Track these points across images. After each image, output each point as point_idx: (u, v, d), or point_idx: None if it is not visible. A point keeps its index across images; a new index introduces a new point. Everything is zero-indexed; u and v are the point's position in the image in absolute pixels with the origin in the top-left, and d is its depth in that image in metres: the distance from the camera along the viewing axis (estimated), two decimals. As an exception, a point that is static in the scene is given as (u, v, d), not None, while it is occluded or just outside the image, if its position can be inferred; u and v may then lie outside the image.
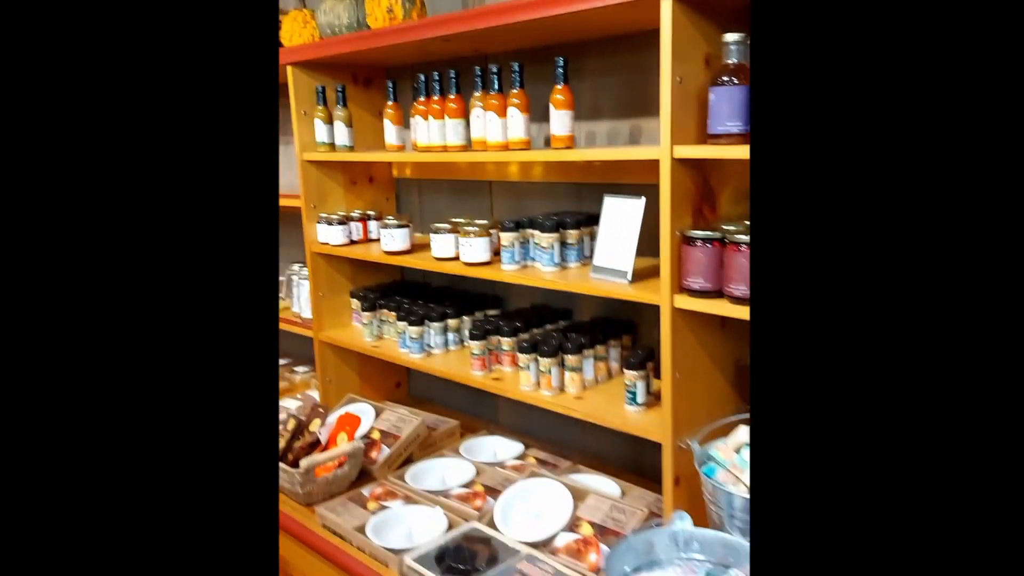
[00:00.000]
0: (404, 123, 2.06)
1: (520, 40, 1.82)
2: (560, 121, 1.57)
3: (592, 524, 1.52)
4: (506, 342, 1.83)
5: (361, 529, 1.61)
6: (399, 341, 2.06)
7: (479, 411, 2.37)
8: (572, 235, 1.68)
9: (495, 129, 1.66)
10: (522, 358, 1.70)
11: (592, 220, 1.73)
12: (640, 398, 1.54)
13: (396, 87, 2.04)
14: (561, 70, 1.56)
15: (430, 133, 1.83)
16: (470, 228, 1.78)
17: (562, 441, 2.10)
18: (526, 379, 1.71)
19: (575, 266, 1.70)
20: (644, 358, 1.54)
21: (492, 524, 1.60)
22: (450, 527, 1.61)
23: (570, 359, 1.66)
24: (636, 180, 1.76)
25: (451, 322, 2.03)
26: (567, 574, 1.39)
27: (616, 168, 1.80)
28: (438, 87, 1.82)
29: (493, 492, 1.74)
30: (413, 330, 1.99)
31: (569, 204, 1.96)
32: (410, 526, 1.64)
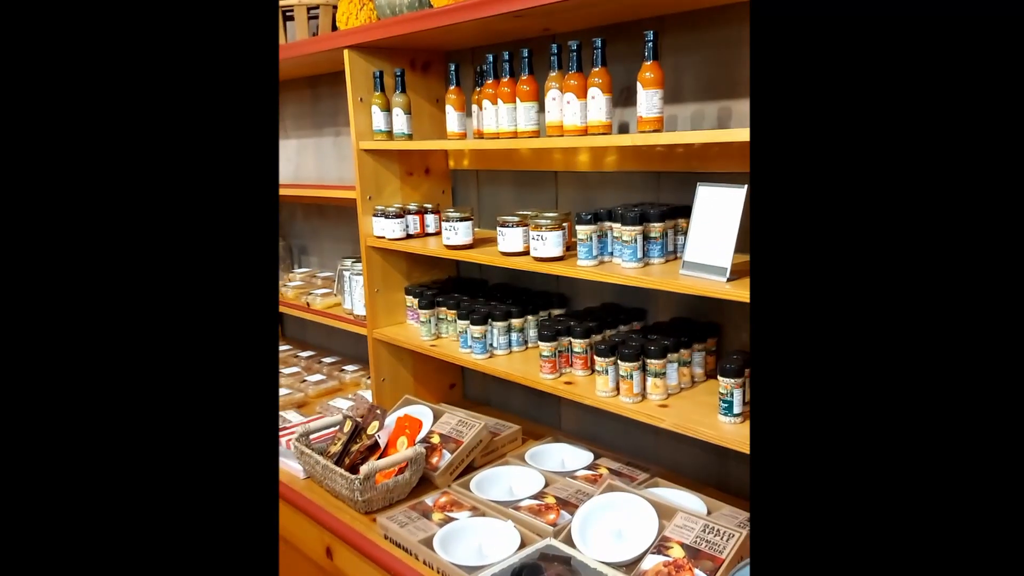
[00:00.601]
0: (467, 110, 1.94)
1: (594, 16, 1.68)
2: (649, 101, 1.43)
3: (683, 546, 1.38)
4: (578, 343, 1.69)
5: (428, 543, 1.50)
6: (460, 341, 1.94)
7: (540, 415, 2.24)
8: (656, 228, 1.54)
9: (573, 112, 1.53)
10: (600, 361, 1.57)
11: (676, 212, 1.59)
12: (737, 408, 1.40)
13: (459, 71, 1.92)
14: (651, 44, 1.42)
15: (499, 118, 1.71)
16: (542, 221, 1.65)
17: (633, 450, 1.96)
18: (604, 384, 1.57)
19: (658, 262, 1.56)
20: (742, 364, 1.39)
21: (569, 541, 1.47)
22: (523, 543, 1.48)
23: (653, 363, 1.52)
24: (726, 168, 1.61)
25: (515, 321, 1.91)
26: (661, 603, 1.25)
27: (703, 155, 1.66)
28: (508, 68, 1.69)
29: (566, 505, 1.61)
30: (476, 329, 1.87)
31: (645, 195, 1.82)
32: (480, 541, 1.52)
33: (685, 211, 1.61)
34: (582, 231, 1.57)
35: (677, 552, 1.38)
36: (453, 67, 1.91)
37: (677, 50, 1.67)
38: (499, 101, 1.69)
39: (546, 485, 1.72)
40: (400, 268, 2.27)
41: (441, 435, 1.91)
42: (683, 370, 1.58)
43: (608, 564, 1.39)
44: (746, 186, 1.35)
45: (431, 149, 2.26)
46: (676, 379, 1.56)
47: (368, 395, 2.45)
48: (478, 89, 1.89)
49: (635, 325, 1.82)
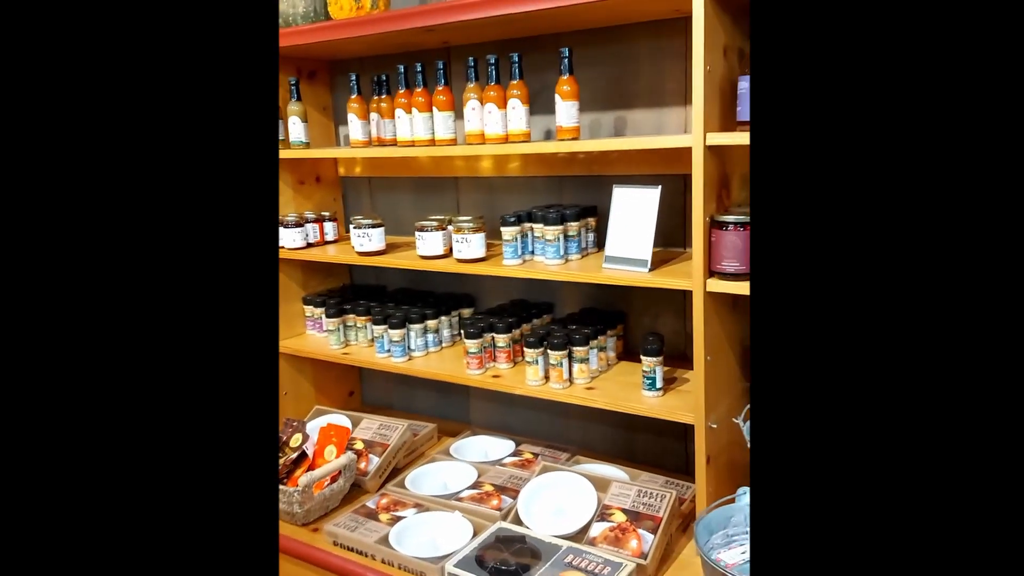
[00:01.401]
0: (367, 117, 1.97)
1: (491, 33, 1.79)
2: (567, 112, 1.57)
3: (624, 511, 1.54)
4: (502, 338, 1.80)
5: (384, 542, 1.53)
6: (375, 346, 1.97)
7: (448, 412, 2.32)
8: (573, 227, 1.68)
9: (495, 122, 1.63)
10: (529, 352, 1.68)
11: (587, 212, 1.75)
12: (659, 383, 1.58)
13: (359, 81, 1.95)
14: (567, 60, 1.56)
15: (414, 127, 1.77)
16: (464, 224, 1.74)
17: (545, 435, 2.10)
18: (534, 374, 1.69)
19: (575, 258, 1.70)
20: (660, 344, 1.57)
21: (518, 522, 1.58)
22: (475, 531, 1.56)
23: (578, 350, 1.67)
24: (624, 171, 1.80)
25: (430, 323, 1.98)
26: (620, 562, 1.39)
27: (603, 160, 1.83)
28: (420, 79, 1.76)
29: (504, 491, 1.72)
30: (395, 333, 1.91)
31: (548, 198, 1.96)
32: (432, 534, 1.58)
33: (591, 211, 1.77)
34: (508, 232, 1.68)
35: (619, 517, 1.53)
36: (354, 77, 1.94)
37: (575, 64, 1.81)
38: (413, 110, 1.75)
39: (479, 475, 1.81)
40: (296, 278, 2.24)
41: (364, 440, 1.93)
42: (601, 355, 1.74)
43: (559, 536, 1.51)
44: (660, 186, 1.53)
45: (321, 157, 2.25)
46: (596, 363, 1.72)
47: (264, 411, 2.38)
48: (377, 98, 1.94)
49: (546, 318, 1.96)
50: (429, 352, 1.98)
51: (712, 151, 1.38)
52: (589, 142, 1.58)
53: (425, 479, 1.83)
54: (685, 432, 1.87)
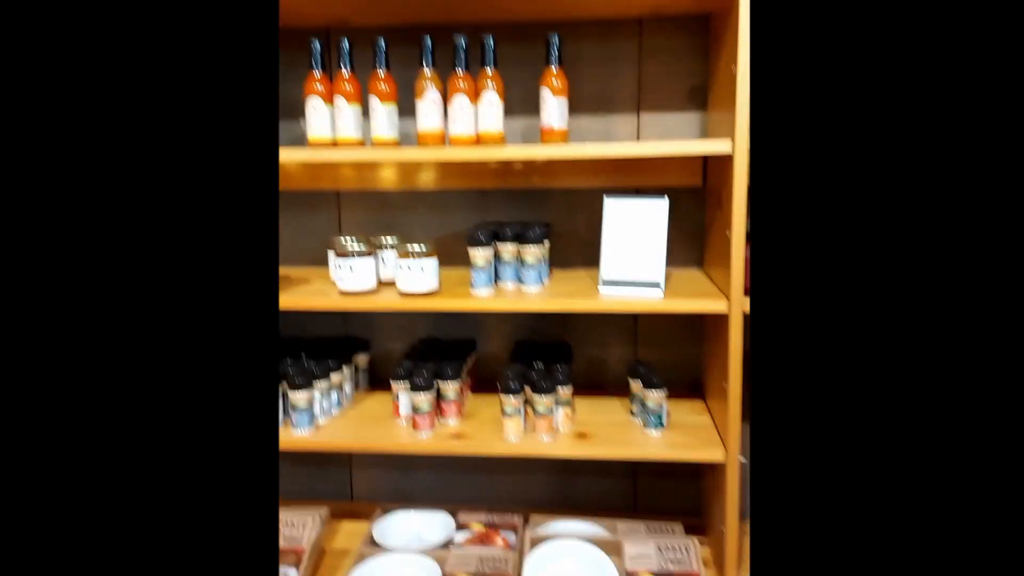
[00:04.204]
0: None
1: (404, 14, 1.46)
2: (556, 110, 1.32)
3: (654, 574, 1.32)
4: (450, 387, 1.45)
5: None
6: (262, 416, 1.45)
7: (316, 490, 1.83)
8: (545, 248, 1.43)
9: (466, 119, 1.31)
10: (510, 401, 1.37)
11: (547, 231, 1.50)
12: (666, 419, 1.40)
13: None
14: (556, 49, 1.31)
15: (337, 122, 1.34)
16: (412, 247, 1.36)
17: (458, 497, 1.77)
18: (516, 427, 1.38)
19: (547, 284, 1.45)
20: (662, 375, 1.40)
21: (537, 617, 1.26)
22: (493, 641, 1.21)
23: (564, 392, 1.41)
24: (572, 184, 1.60)
25: (334, 378, 1.53)
26: (698, 638, 1.18)
27: (548, 171, 1.60)
28: (348, 60, 1.34)
29: (488, 579, 1.37)
30: (300, 397, 1.43)
31: (466, 216, 1.65)
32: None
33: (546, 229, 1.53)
34: (479, 255, 1.36)
35: (654, 582, 1.31)
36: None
37: (530, 62, 1.53)
38: (338, 99, 1.33)
39: (442, 566, 1.42)
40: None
41: (263, 549, 1.40)
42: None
43: (598, 623, 1.24)
44: (666, 197, 1.36)
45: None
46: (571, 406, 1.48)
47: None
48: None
49: (474, 357, 1.65)
50: (333, 415, 1.53)
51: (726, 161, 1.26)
52: (603, 145, 1.30)
53: (369, 586, 1.38)
54: (635, 470, 1.71)
